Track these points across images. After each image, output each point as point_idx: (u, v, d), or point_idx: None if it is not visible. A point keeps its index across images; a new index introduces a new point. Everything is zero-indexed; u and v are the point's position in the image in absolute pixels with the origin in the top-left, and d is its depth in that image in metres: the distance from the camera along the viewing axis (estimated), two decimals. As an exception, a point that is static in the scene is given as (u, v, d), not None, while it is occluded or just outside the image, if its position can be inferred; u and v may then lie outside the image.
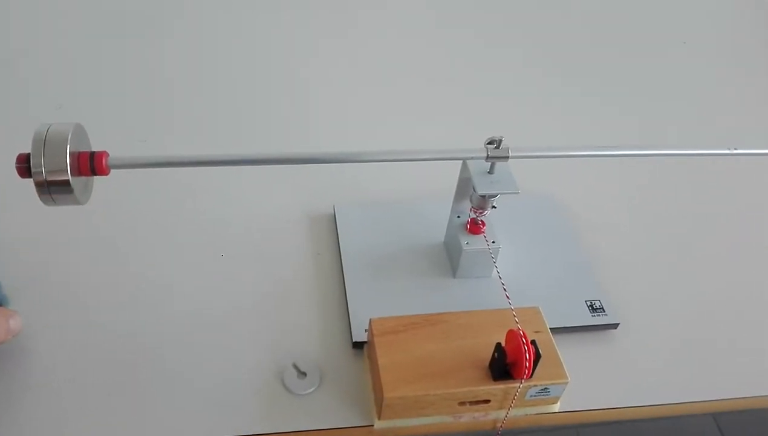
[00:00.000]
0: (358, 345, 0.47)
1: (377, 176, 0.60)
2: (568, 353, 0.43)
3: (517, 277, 0.51)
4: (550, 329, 0.45)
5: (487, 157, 0.44)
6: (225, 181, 0.60)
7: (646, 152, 0.48)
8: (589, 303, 0.51)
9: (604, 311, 0.50)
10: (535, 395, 0.42)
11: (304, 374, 0.45)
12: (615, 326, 0.50)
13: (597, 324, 0.50)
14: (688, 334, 0.51)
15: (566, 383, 0.42)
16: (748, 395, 0.47)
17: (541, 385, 0.42)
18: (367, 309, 0.47)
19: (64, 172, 0.37)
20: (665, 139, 0.71)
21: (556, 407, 0.44)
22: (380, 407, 0.41)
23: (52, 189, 0.38)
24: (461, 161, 0.49)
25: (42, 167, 0.37)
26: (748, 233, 0.61)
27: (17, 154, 0.37)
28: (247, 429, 0.42)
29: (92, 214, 0.53)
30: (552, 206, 0.59)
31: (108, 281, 0.50)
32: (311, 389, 0.44)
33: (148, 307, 0.49)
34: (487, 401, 0.42)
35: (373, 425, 0.43)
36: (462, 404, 0.42)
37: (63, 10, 0.81)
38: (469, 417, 0.43)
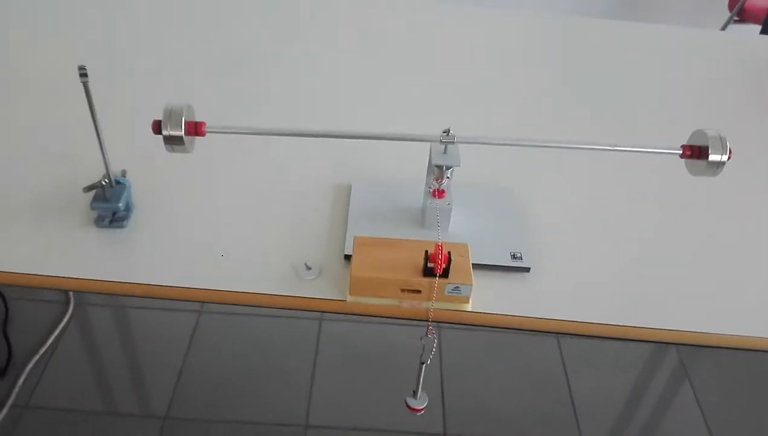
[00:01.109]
0: (347, 257, 0.71)
1: (390, 155, 0.85)
2: (487, 282, 0.66)
3: (465, 231, 0.75)
4: (479, 264, 0.68)
5: (441, 141, 0.68)
6: (271, 148, 0.86)
7: (552, 145, 0.71)
8: (512, 253, 0.73)
9: (522, 259, 0.72)
10: (451, 292, 0.65)
11: (310, 269, 0.70)
12: (527, 269, 0.72)
13: (513, 266, 0.72)
14: (581, 281, 0.72)
15: (471, 285, 0.65)
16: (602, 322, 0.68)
17: (453, 284, 0.65)
18: (356, 234, 0.71)
19: (180, 132, 0.64)
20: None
21: (469, 307, 0.67)
22: (350, 285, 0.65)
23: (173, 143, 0.64)
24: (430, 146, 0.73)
25: (168, 129, 0.64)
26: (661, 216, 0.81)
27: (153, 121, 0.64)
28: (273, 291, 0.67)
29: (192, 157, 0.81)
30: (506, 195, 0.82)
31: (197, 199, 0.77)
32: (313, 277, 0.69)
33: (221, 225, 0.75)
34: (418, 291, 0.65)
35: (346, 300, 0.67)
36: (403, 290, 0.65)
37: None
38: (409, 304, 0.67)
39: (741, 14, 2.25)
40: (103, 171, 0.71)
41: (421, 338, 0.67)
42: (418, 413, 0.70)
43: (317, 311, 1.62)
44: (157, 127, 0.64)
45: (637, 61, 1.18)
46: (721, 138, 0.66)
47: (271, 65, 1.07)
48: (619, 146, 0.69)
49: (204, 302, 1.68)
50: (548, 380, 1.58)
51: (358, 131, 0.68)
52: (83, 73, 0.63)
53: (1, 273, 0.68)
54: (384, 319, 1.59)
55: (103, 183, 0.70)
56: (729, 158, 0.65)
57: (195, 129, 0.65)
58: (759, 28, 2.15)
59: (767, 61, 1.22)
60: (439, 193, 0.74)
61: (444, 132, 0.68)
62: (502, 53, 1.18)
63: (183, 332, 1.62)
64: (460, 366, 1.59)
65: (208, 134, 0.66)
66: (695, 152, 0.67)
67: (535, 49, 1.21)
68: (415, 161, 0.77)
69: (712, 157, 0.66)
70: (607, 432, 1.48)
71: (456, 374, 1.56)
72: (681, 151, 0.67)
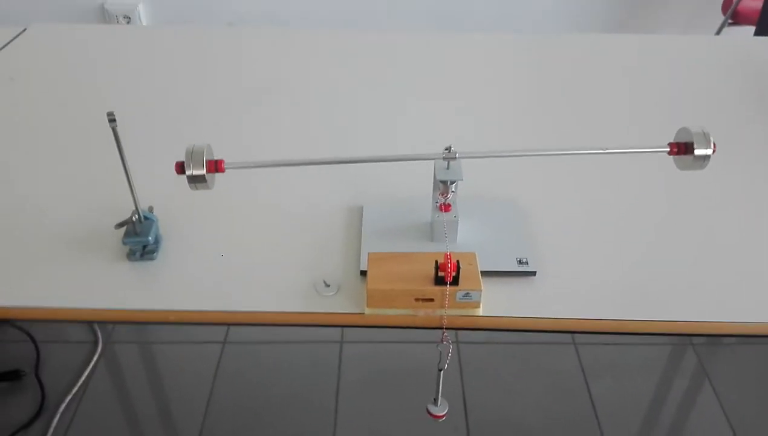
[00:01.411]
0: (363, 273, 0.76)
1: (398, 176, 0.90)
2: (496, 287, 0.71)
3: (472, 241, 0.79)
4: (486, 271, 0.73)
5: (443, 158, 0.73)
6: (285, 177, 0.92)
7: (548, 153, 0.76)
8: (518, 259, 0.77)
9: (528, 264, 0.77)
10: (462, 298, 0.70)
11: (328, 285, 0.75)
12: (534, 273, 0.76)
13: (520, 271, 0.76)
14: (586, 282, 0.77)
15: (480, 291, 0.69)
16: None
17: (464, 290, 0.69)
18: (370, 251, 0.76)
19: (202, 171, 0.69)
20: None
21: (480, 312, 0.71)
22: (367, 297, 0.70)
23: (196, 182, 0.69)
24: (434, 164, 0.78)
25: (191, 169, 0.69)
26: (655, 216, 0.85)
27: (175, 162, 0.69)
28: (297, 308, 0.72)
29: (214, 193, 0.87)
30: (510, 206, 0.87)
31: (219, 228, 0.82)
32: (332, 293, 0.74)
33: (243, 250, 0.80)
34: (431, 300, 0.70)
35: (364, 312, 0.72)
36: (417, 300, 0.70)
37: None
38: (424, 313, 0.71)
39: (735, 17, 2.29)
40: (132, 208, 0.77)
41: (437, 345, 0.71)
42: (440, 420, 0.74)
43: (338, 331, 1.66)
44: (180, 168, 0.69)
45: (635, 70, 1.23)
46: (704, 133, 0.70)
47: (276, 101, 1.13)
48: (609, 149, 0.74)
49: (228, 333, 1.73)
50: (568, 388, 1.61)
51: (365, 156, 0.73)
52: (112, 119, 0.69)
53: (43, 309, 0.73)
54: (402, 338, 1.64)
55: (133, 219, 0.75)
56: (714, 151, 0.70)
57: (215, 167, 0.70)
58: (753, 29, 2.19)
59: (763, 61, 1.26)
60: (446, 207, 0.79)
61: (446, 149, 0.73)
62: (498, 72, 1.24)
63: (208, 364, 1.66)
64: (481, 379, 1.62)
65: (227, 169, 0.72)
66: (681, 148, 0.72)
67: (534, 66, 1.26)
68: (421, 179, 0.82)
69: (697, 152, 0.70)
70: (630, 434, 1.50)
71: (477, 387, 1.59)
72: (668, 149, 0.72)
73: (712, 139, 0.70)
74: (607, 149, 0.73)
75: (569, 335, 1.74)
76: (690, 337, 1.74)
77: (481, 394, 1.58)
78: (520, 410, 1.55)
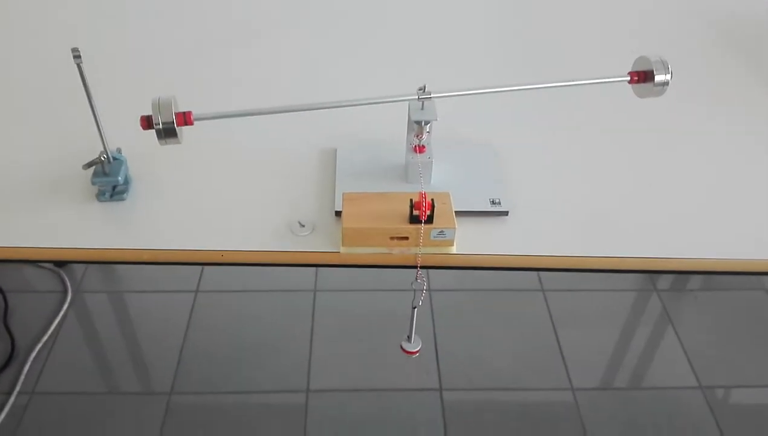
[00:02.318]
0: (338, 214, 0.76)
1: (371, 118, 0.89)
2: (470, 227, 0.71)
3: (446, 183, 0.79)
4: (460, 211, 0.73)
5: (418, 98, 0.73)
6: (257, 120, 0.90)
7: (530, 87, 0.76)
8: (491, 199, 0.78)
9: (500, 205, 0.77)
10: (436, 236, 0.70)
11: (303, 226, 0.75)
12: (506, 213, 0.77)
13: (493, 211, 0.77)
14: (556, 221, 0.78)
15: (455, 229, 0.70)
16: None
17: (438, 228, 0.69)
18: (344, 191, 0.76)
19: (172, 124, 0.66)
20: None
21: (453, 250, 0.72)
22: (342, 236, 0.70)
23: (166, 136, 0.66)
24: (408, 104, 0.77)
25: (160, 123, 0.65)
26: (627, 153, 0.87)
27: (140, 116, 0.65)
28: (272, 248, 0.72)
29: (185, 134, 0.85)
30: (484, 148, 0.87)
31: (189, 169, 0.81)
32: (306, 233, 0.74)
33: (215, 191, 0.79)
34: (406, 238, 0.70)
35: (339, 251, 0.72)
36: (392, 238, 0.70)
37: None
38: (398, 251, 0.71)
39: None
40: (101, 148, 0.75)
41: (412, 283, 0.72)
42: (413, 356, 0.75)
43: (311, 279, 1.67)
44: (147, 122, 0.65)
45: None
46: (662, 61, 0.73)
47: (240, 46, 1.10)
48: (576, 81, 0.74)
49: (200, 281, 1.73)
50: (536, 333, 1.65)
51: (338, 99, 0.72)
52: (77, 55, 0.67)
53: (11, 249, 0.72)
54: (375, 286, 1.65)
55: (102, 159, 0.74)
56: (671, 77, 0.72)
57: (184, 119, 0.67)
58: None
59: None
60: (420, 149, 0.79)
61: (420, 89, 0.73)
62: (469, 7, 1.22)
63: (181, 312, 1.66)
64: (452, 325, 1.65)
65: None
66: (641, 76, 0.74)
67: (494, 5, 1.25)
68: (395, 120, 0.82)
69: (658, 78, 0.72)
70: (596, 376, 1.55)
71: (448, 332, 1.63)
72: (629, 78, 0.74)
73: (669, 66, 0.72)
74: (571, 81, 0.74)
75: (538, 282, 1.77)
76: (654, 282, 1.79)
77: (453, 339, 1.61)
78: (490, 355, 1.59)
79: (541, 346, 1.61)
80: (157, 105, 0.65)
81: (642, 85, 0.74)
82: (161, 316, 1.67)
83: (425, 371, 1.53)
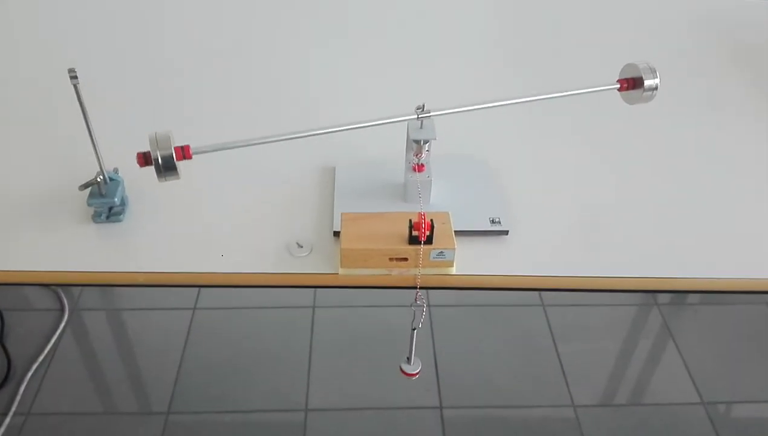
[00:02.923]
0: (336, 234, 0.75)
1: (370, 137, 0.89)
2: (469, 247, 0.71)
3: (445, 202, 0.79)
4: (459, 231, 0.72)
5: (417, 117, 0.72)
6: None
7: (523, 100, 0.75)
8: (491, 218, 0.77)
9: (500, 224, 0.77)
10: (436, 257, 0.69)
11: (301, 246, 0.74)
12: (506, 232, 0.76)
13: (493, 230, 0.76)
14: (557, 239, 0.77)
15: (454, 249, 0.69)
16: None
17: (438, 249, 0.69)
18: (343, 211, 0.75)
19: (172, 160, 0.63)
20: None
21: (453, 270, 0.71)
22: (341, 258, 0.69)
23: (165, 172, 0.63)
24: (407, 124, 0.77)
25: (159, 159, 0.62)
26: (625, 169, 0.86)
27: (136, 153, 0.62)
28: (269, 270, 0.71)
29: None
30: (483, 166, 0.86)
31: (187, 190, 0.81)
32: (305, 254, 0.73)
33: (213, 213, 0.79)
34: (405, 259, 0.69)
35: (338, 273, 0.71)
36: (391, 259, 0.69)
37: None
38: (398, 272, 0.71)
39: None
40: (97, 169, 0.74)
41: (411, 305, 0.71)
42: (413, 378, 0.74)
43: (310, 296, 1.65)
44: (145, 158, 0.63)
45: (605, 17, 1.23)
46: (650, 67, 0.73)
47: (238, 60, 1.10)
48: (565, 92, 0.74)
49: (198, 298, 1.71)
50: (537, 349, 1.63)
51: (339, 124, 0.72)
52: (73, 76, 0.66)
53: (5, 272, 0.71)
54: (374, 302, 1.63)
55: (98, 180, 0.73)
56: (659, 81, 0.73)
57: (182, 153, 0.65)
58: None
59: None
60: (419, 168, 0.78)
61: (418, 108, 0.72)
62: (463, 22, 1.22)
63: (179, 330, 1.65)
64: (452, 341, 1.64)
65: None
66: (631, 83, 0.74)
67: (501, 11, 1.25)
68: (393, 139, 0.81)
69: (647, 84, 0.73)
70: (597, 392, 1.54)
71: (448, 348, 1.61)
72: (618, 85, 0.74)
73: (657, 71, 0.73)
74: (561, 92, 0.74)
75: (538, 297, 1.76)
76: (655, 296, 1.79)
77: (452, 355, 1.60)
78: (491, 371, 1.58)
79: (542, 362, 1.60)
80: (155, 140, 0.63)
81: (631, 92, 0.75)
82: (159, 334, 1.66)
83: (425, 388, 1.52)
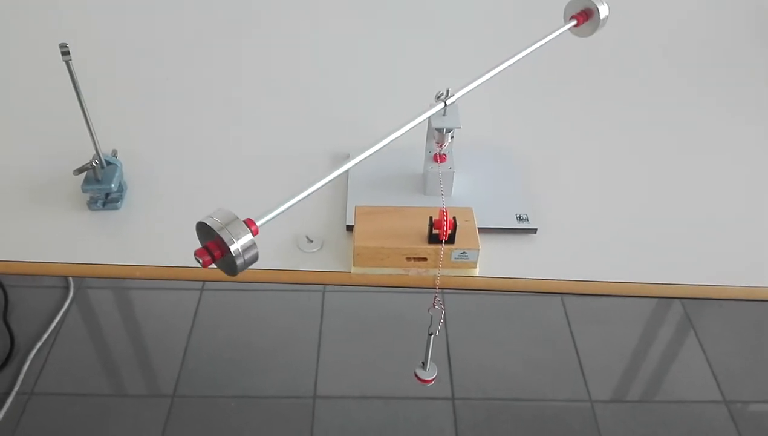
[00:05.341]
0: (349, 228, 0.69)
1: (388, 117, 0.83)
2: (494, 245, 0.65)
3: (468, 195, 0.73)
4: (484, 228, 0.66)
5: (444, 106, 0.66)
6: (267, 122, 0.84)
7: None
8: (517, 215, 0.71)
9: (528, 221, 0.71)
10: (458, 258, 0.64)
11: (311, 241, 0.68)
12: (534, 230, 0.70)
13: (520, 228, 0.70)
14: (590, 239, 0.71)
15: (478, 250, 0.63)
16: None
17: (460, 249, 0.63)
18: (358, 205, 0.69)
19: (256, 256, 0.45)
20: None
21: (476, 272, 0.65)
22: (354, 256, 0.64)
23: (246, 257, 0.45)
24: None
25: (241, 254, 0.43)
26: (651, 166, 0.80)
27: (195, 251, 0.44)
28: (276, 266, 0.65)
29: (184, 132, 0.79)
30: (509, 155, 0.80)
31: (191, 175, 0.75)
32: (315, 250, 0.67)
33: (217, 200, 0.73)
34: (424, 259, 0.64)
35: (350, 272, 0.65)
36: (408, 259, 0.64)
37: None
38: (415, 272, 0.65)
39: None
40: (93, 152, 0.69)
41: (429, 310, 0.65)
42: (428, 384, 0.69)
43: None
44: (210, 255, 0.45)
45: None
46: None
47: (244, 37, 1.03)
48: (530, 47, 0.67)
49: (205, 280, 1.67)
50: (554, 339, 1.58)
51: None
52: (65, 52, 0.60)
53: (-3, 262, 0.66)
54: (387, 287, 1.57)
55: (94, 164, 0.68)
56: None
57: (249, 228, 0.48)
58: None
59: None
60: (441, 158, 0.72)
61: (439, 95, 0.66)
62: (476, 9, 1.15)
63: (186, 310, 1.61)
64: (465, 330, 1.58)
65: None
66: (583, 17, 0.72)
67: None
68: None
69: (602, 14, 0.71)
70: (614, 385, 1.49)
71: (461, 337, 1.56)
72: (575, 22, 0.71)
73: None
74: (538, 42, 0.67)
75: (556, 286, 1.70)
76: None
77: (465, 344, 1.55)
78: (505, 361, 1.52)
79: (558, 354, 1.55)
80: (222, 225, 0.44)
81: (585, 25, 0.72)
82: (166, 314, 1.62)
83: (437, 378, 1.47)
